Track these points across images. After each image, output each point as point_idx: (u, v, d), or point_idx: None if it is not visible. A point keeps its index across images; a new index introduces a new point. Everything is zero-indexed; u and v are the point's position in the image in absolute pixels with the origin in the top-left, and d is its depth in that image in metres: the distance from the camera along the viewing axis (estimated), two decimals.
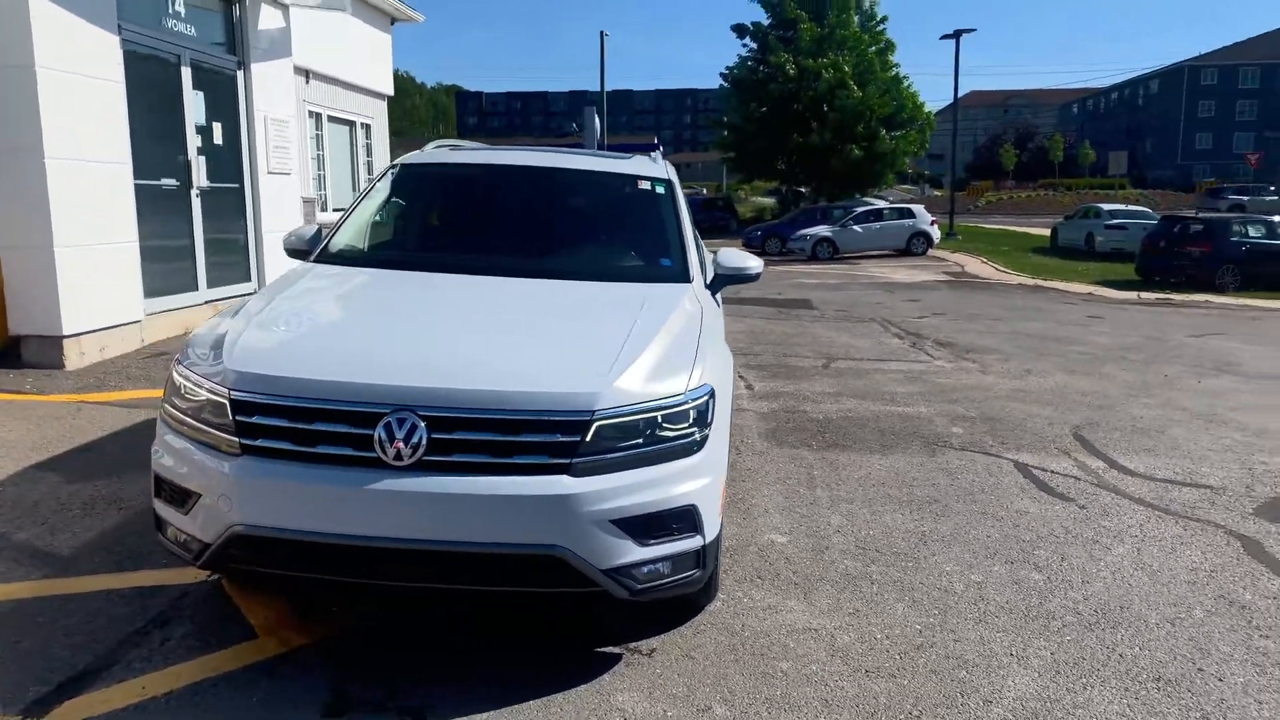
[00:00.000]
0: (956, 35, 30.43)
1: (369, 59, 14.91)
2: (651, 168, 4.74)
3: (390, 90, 16.16)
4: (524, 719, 2.80)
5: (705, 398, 3.06)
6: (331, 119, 14.09)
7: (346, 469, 2.77)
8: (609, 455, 2.82)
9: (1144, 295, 17.26)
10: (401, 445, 2.74)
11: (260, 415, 2.85)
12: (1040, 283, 19.33)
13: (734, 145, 40.29)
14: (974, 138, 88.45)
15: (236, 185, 9.41)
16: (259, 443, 2.84)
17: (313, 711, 2.82)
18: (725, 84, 40.18)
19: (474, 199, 4.60)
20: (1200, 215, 21.05)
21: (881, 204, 30.74)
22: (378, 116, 15.85)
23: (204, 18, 8.82)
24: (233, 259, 9.42)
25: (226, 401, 2.88)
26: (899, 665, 3.19)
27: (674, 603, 3.34)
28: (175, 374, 3.12)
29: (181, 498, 2.97)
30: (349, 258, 4.08)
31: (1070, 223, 27.92)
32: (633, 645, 3.27)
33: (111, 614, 3.37)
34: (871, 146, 36.23)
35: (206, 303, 8.85)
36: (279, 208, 9.99)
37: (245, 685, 2.94)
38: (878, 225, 27.26)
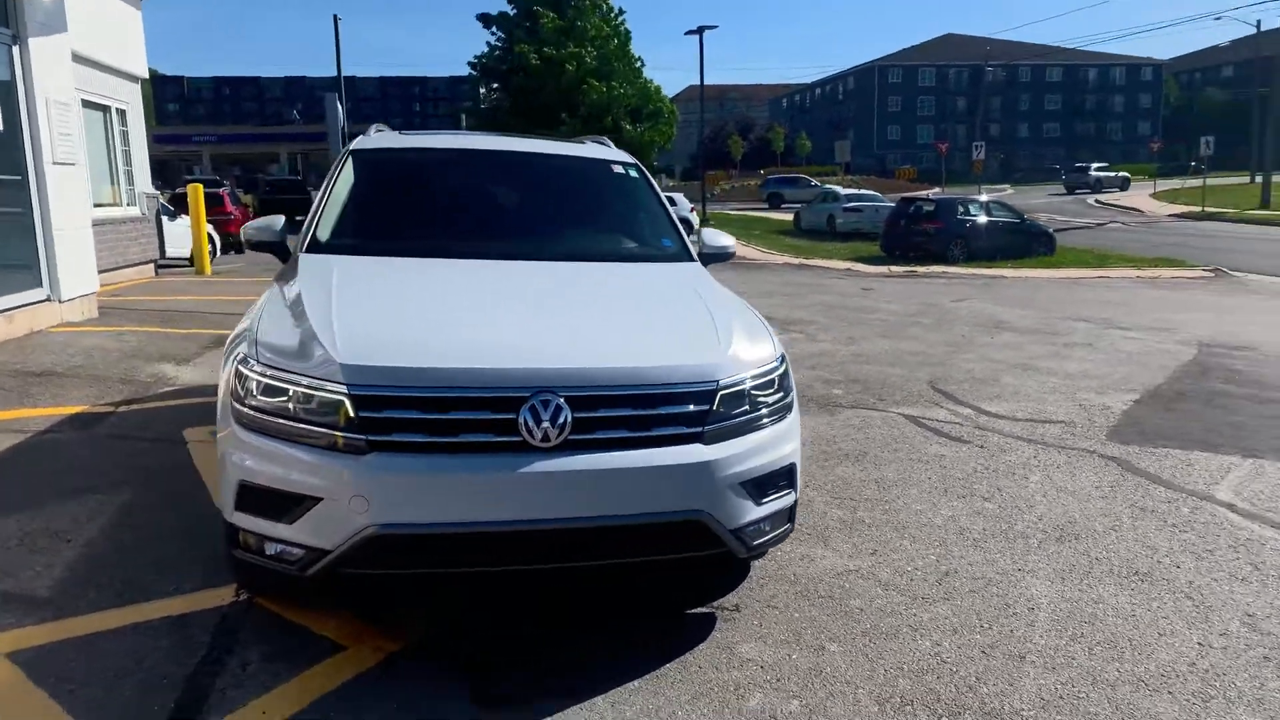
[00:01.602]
0: (700, 31, 32.19)
1: (119, 36, 13.36)
2: (616, 153, 4.84)
3: (144, 72, 14.60)
4: (671, 679, 2.91)
5: (786, 364, 3.30)
6: (85, 103, 12.49)
7: (493, 455, 2.72)
8: (729, 422, 2.98)
9: (893, 269, 19.40)
10: (549, 427, 2.74)
11: (391, 409, 2.72)
12: (804, 261, 21.10)
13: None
14: (699, 130, 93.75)
15: (19, 178, 8.20)
16: (391, 438, 2.71)
17: (462, 705, 2.76)
18: (474, 73, 39.73)
19: (458, 184, 4.48)
20: (931, 197, 23.93)
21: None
22: (133, 101, 14.26)
23: None
24: (21, 263, 8.22)
25: (345, 398, 2.71)
26: (942, 590, 3.61)
27: (718, 564, 3.55)
28: (253, 374, 2.86)
29: (287, 506, 2.75)
30: (348, 247, 3.84)
31: (811, 207, 30.56)
32: (716, 604, 3.45)
33: (157, 648, 3.03)
34: (620, 138, 37.37)
35: (0, 312, 7.69)
36: (67, 203, 8.82)
37: (374, 693, 2.80)
38: None
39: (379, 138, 4.63)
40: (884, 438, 5.80)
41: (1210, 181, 41.24)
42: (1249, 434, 5.92)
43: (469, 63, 39.75)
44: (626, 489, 2.80)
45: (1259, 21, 49.54)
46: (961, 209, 21.03)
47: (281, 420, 2.79)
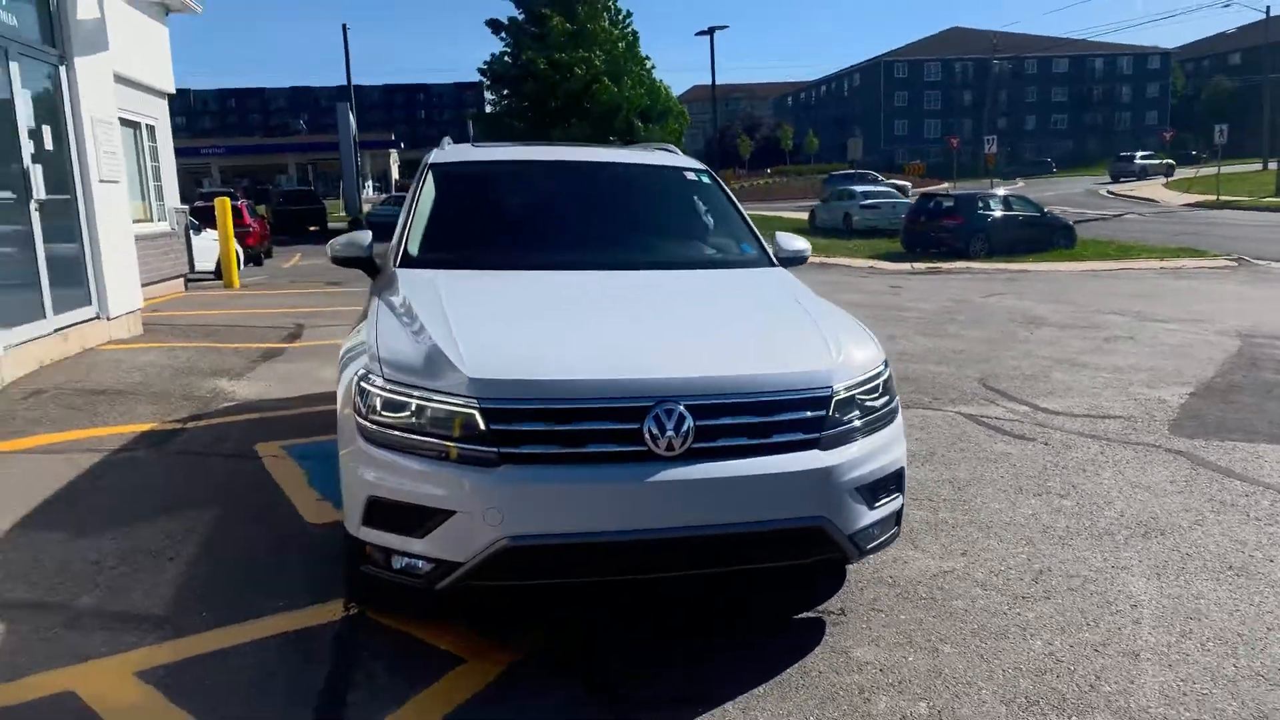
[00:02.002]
0: (711, 31, 32.24)
1: (148, 52, 13.45)
2: (686, 160, 4.88)
3: (172, 88, 14.67)
4: (795, 685, 2.94)
5: (890, 368, 3.33)
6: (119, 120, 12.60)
7: (619, 465, 2.76)
8: (843, 428, 3.01)
9: (916, 265, 19.39)
10: (672, 436, 2.77)
11: (520, 421, 2.76)
12: (825, 260, 21.08)
13: (497, 140, 40.14)
14: (703, 130, 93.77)
15: (69, 196, 8.28)
16: (520, 449, 2.75)
17: (592, 714, 2.79)
18: (485, 79, 39.80)
19: (539, 196, 4.53)
20: (951, 193, 23.90)
21: None
22: (161, 117, 14.36)
23: (20, 6, 7.68)
24: (74, 280, 8.30)
25: (476, 412, 2.75)
26: (1041, 589, 3.63)
27: (823, 569, 3.59)
28: (378, 389, 2.90)
29: (418, 520, 2.79)
30: (442, 261, 3.88)
31: (827, 205, 30.53)
32: (821, 609, 3.48)
33: (283, 664, 3.07)
34: (631, 139, 37.41)
35: (56, 331, 7.76)
36: (113, 220, 8.90)
37: (506, 705, 2.83)
38: None
39: (454, 151, 4.67)
40: (948, 437, 5.82)
41: (1223, 170, 41.07)
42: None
43: (479, 69, 39.77)
44: (749, 496, 2.83)
45: (1268, 7, 49.26)
46: (981, 204, 21.00)
47: (410, 435, 2.83)
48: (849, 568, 3.77)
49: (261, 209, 36.38)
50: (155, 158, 14.16)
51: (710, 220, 4.53)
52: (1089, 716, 2.75)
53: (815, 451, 2.92)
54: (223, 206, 15.82)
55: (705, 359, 2.98)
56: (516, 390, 2.78)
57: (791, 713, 2.79)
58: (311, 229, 36.60)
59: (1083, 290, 14.22)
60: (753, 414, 2.88)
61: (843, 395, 3.02)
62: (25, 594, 3.56)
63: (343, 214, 44.48)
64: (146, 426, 5.95)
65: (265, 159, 73.23)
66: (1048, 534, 4.20)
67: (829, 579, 3.68)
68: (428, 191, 4.25)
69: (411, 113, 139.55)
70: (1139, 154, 57.99)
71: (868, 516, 3.05)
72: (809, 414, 2.95)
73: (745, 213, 4.54)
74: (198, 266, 16.18)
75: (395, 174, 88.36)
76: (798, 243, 4.48)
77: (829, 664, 3.07)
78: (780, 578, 3.60)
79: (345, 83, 44.57)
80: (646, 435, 2.76)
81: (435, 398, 2.81)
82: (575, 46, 36.27)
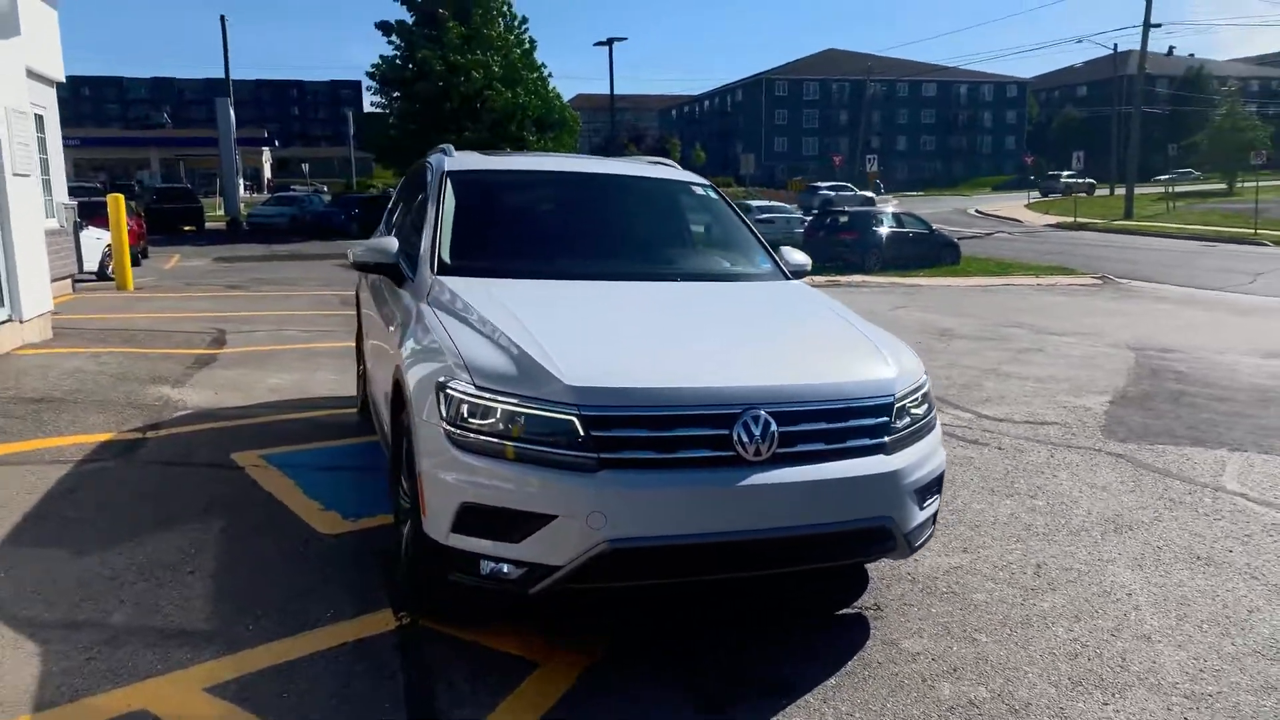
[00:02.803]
0: (609, 42, 32.55)
1: (38, 38, 12.61)
2: (689, 174, 5.03)
3: (62, 75, 13.82)
4: (861, 675, 3.12)
5: (929, 379, 3.57)
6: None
7: (711, 470, 2.88)
8: (902, 433, 3.23)
9: (815, 279, 20.13)
10: (760, 442, 2.91)
11: (618, 428, 2.84)
12: None
13: (386, 143, 39.20)
14: (588, 139, 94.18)
15: None
16: (619, 455, 2.83)
17: (691, 711, 2.90)
18: (373, 81, 38.86)
19: (561, 206, 4.59)
20: (847, 210, 24.89)
21: None
22: (50, 106, 13.49)
23: None
24: None
25: (575, 419, 2.82)
26: (1044, 581, 3.95)
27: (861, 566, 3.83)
28: (470, 398, 2.92)
29: (516, 525, 2.84)
30: (480, 269, 3.89)
31: None
32: (858, 605, 3.68)
33: (355, 674, 3.04)
34: (525, 147, 37.27)
35: None
36: (26, 216, 8.35)
37: (597, 707, 2.90)
38: None
39: (464, 159, 4.66)
40: None
41: (1076, 194, 44.23)
42: (1223, 429, 6.56)
43: (368, 71, 38.88)
44: (829, 499, 3.00)
45: (1115, 45, 53.55)
46: (875, 220, 22.00)
47: (505, 441, 2.87)
48: (868, 565, 4.00)
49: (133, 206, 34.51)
50: (43, 149, 13.27)
51: (722, 233, 4.70)
52: (1130, 693, 3.04)
53: (881, 456, 3.12)
54: (116, 204, 14.97)
55: (783, 368, 3.14)
56: (615, 398, 2.87)
57: (868, 701, 2.97)
58: (187, 229, 34.87)
59: (977, 304, 15.12)
60: (828, 421, 3.06)
61: (902, 403, 3.24)
62: (50, 613, 3.38)
63: (220, 213, 42.53)
64: (104, 436, 5.65)
65: (125, 152, 69.01)
66: (1031, 531, 4.55)
67: (855, 575, 3.89)
68: (448, 199, 4.24)
69: (284, 109, 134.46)
70: (1064, 173, 60.97)
71: (919, 516, 3.27)
72: (876, 420, 3.15)
73: (753, 227, 4.73)
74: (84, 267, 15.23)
75: (268, 172, 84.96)
76: (799, 256, 4.69)
77: (885, 655, 3.27)
78: (823, 572, 3.79)
79: (219, 75, 42.71)
80: (736, 441, 2.90)
81: (534, 405, 2.86)
82: (471, 50, 35.92)
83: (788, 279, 4.39)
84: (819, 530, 3.02)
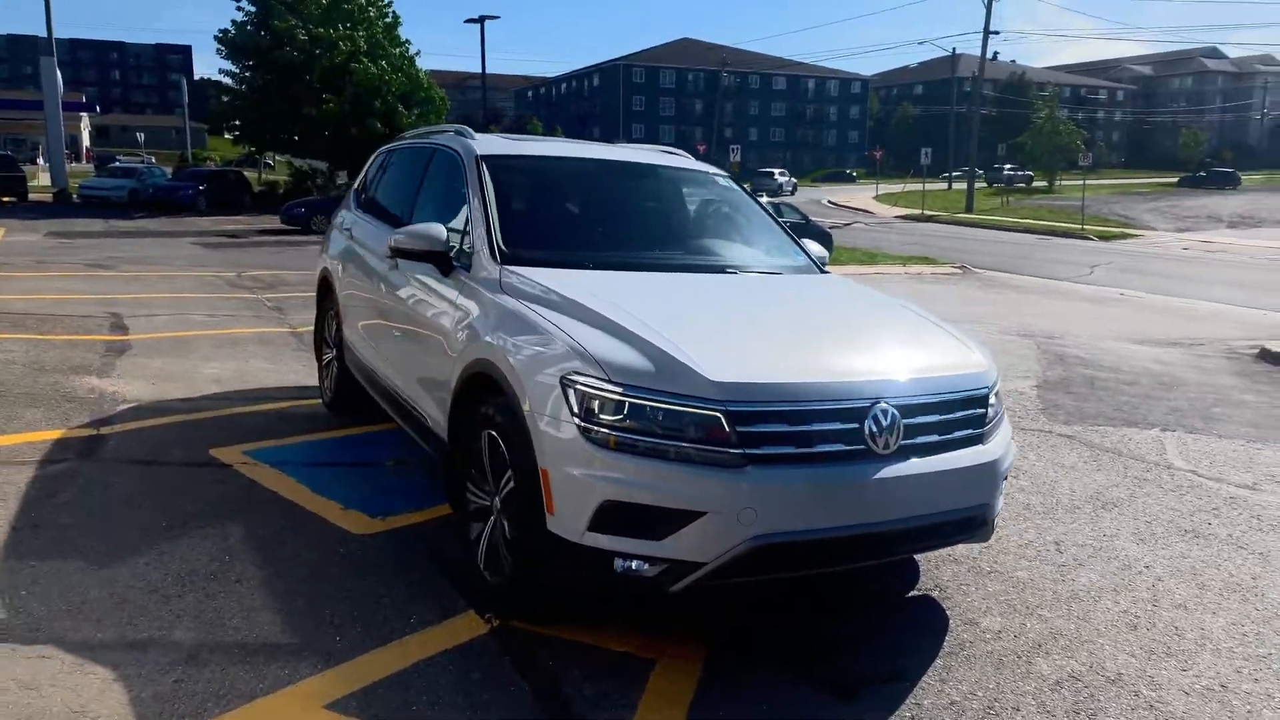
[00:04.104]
0: (481, 20, 31.75)
1: None
2: (704, 164, 5.03)
3: None
4: (962, 655, 3.25)
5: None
6: None
7: (846, 464, 2.92)
8: (991, 423, 3.37)
9: None
10: (889, 435, 2.98)
11: (761, 424, 2.84)
12: None
13: (237, 114, 36.86)
14: (444, 118, 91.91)
15: None
16: (762, 451, 2.83)
17: (828, 698, 2.94)
18: (222, 46, 36.38)
19: (602, 193, 4.49)
20: None
21: None
22: None
23: None
24: None
25: (720, 415, 2.80)
26: (1070, 558, 4.21)
27: None
28: (605, 394, 2.83)
29: (660, 523, 2.79)
30: (546, 260, 3.74)
31: None
32: (920, 589, 3.82)
33: (472, 680, 2.92)
34: (393, 124, 35.96)
35: None
36: None
37: (737, 699, 2.90)
38: None
39: (490, 142, 4.46)
40: None
41: (914, 187, 46.86)
42: (1144, 411, 7.16)
43: (215, 36, 36.29)
44: (945, 488, 3.11)
45: (954, 49, 56.97)
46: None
47: (646, 438, 2.81)
48: None
49: None
50: None
51: (749, 224, 4.72)
52: (1198, 658, 3.31)
53: (981, 446, 3.26)
54: None
55: (901, 363, 3.21)
56: (758, 394, 2.86)
57: (981, 680, 3.10)
58: (6, 200, 31.70)
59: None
60: (941, 413, 3.16)
61: (992, 393, 3.38)
62: (103, 632, 3.06)
63: (42, 184, 38.84)
64: (53, 434, 5.10)
65: None
66: (1033, 510, 4.84)
67: (907, 559, 4.04)
68: (488, 186, 4.06)
69: (104, 73, 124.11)
70: (1008, 166, 64.30)
71: (999, 501, 3.44)
72: (976, 411, 3.28)
73: (777, 218, 4.79)
74: None
75: (87, 140, 78.03)
76: (818, 248, 4.78)
77: (972, 635, 3.42)
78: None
79: (29, 31, 38.80)
80: (867, 435, 2.95)
81: (677, 402, 2.81)
82: (331, 22, 34.26)
83: (823, 271, 4.47)
84: (935, 519, 3.12)
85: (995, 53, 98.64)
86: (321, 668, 2.93)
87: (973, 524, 3.29)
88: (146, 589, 3.37)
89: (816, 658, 3.19)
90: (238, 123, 37.66)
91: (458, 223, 4.10)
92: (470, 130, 4.65)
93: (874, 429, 2.96)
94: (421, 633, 3.20)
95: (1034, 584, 3.90)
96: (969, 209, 43.99)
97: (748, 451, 2.81)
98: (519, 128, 69.89)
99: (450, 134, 4.76)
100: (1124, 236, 32.83)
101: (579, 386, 2.89)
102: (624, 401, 2.83)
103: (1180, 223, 38.29)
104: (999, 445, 3.35)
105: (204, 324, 9.30)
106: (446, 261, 3.88)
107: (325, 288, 5.98)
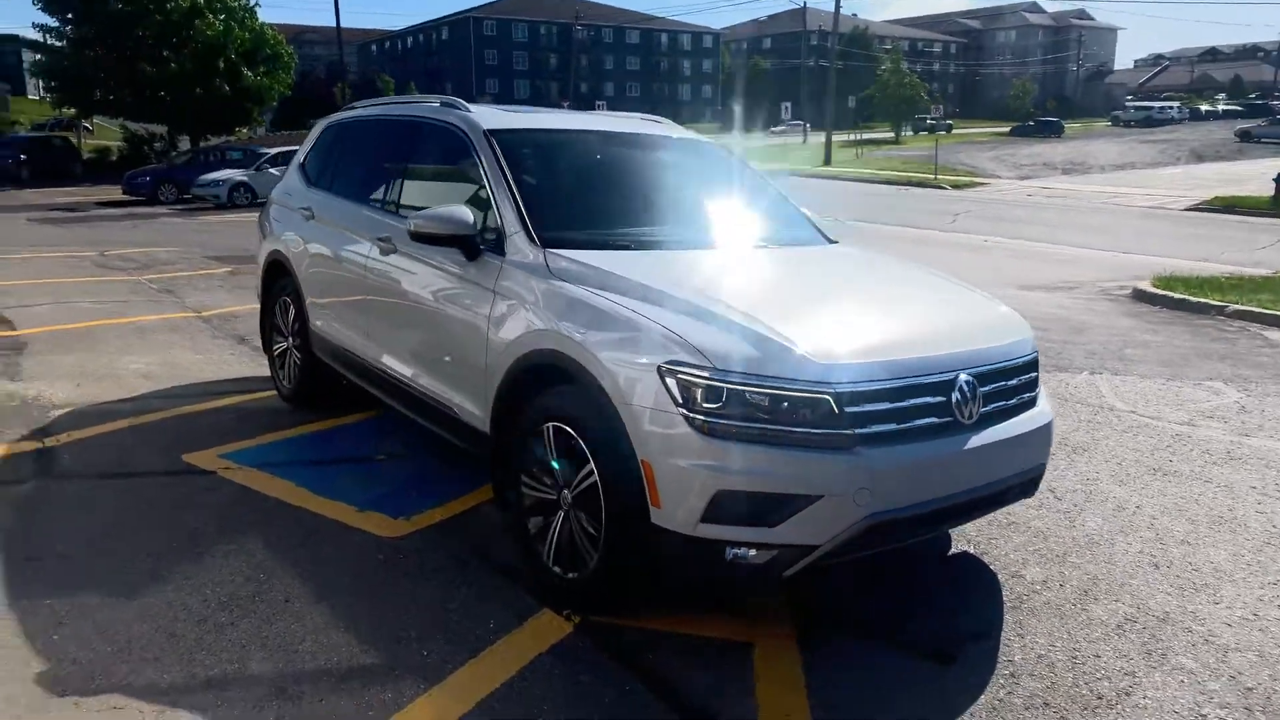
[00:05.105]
0: None
1: None
2: (699, 134, 4.93)
3: None
4: (1023, 609, 3.41)
5: None
6: None
7: (943, 436, 2.99)
8: (1037, 386, 3.51)
9: None
10: (973, 405, 3.06)
11: (865, 403, 2.85)
12: None
13: (55, 73, 33.61)
14: (303, 73, 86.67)
15: None
16: (869, 430, 2.85)
17: (931, 664, 3.04)
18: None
19: (617, 168, 4.32)
20: None
21: (295, 147, 29.15)
22: None
23: None
24: None
25: (829, 396, 2.79)
26: (1070, 504, 4.47)
27: None
28: (705, 381, 2.77)
29: (776, 509, 2.77)
30: (580, 241, 3.59)
31: None
32: (957, 549, 3.98)
33: (581, 685, 2.85)
34: (238, 84, 33.75)
35: None
36: None
37: (853, 672, 2.95)
38: None
39: (492, 115, 4.21)
40: None
41: (774, 141, 47.95)
42: (1067, 356, 7.62)
43: None
44: (1020, 451, 3.23)
45: (805, 2, 58.01)
46: None
47: (755, 424, 2.77)
48: None
49: None
50: None
51: (765, 195, 4.69)
52: (1225, 589, 3.59)
53: (1036, 408, 3.40)
54: None
55: (969, 333, 3.28)
56: (863, 374, 2.87)
57: (1052, 631, 3.26)
58: None
59: None
60: (1007, 378, 3.26)
61: (1037, 358, 3.52)
62: (167, 673, 2.80)
63: None
64: None
65: None
66: None
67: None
68: (504, 163, 3.85)
69: None
70: (929, 117, 64.53)
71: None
72: (1030, 375, 3.41)
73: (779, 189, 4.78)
74: None
75: None
76: (812, 216, 4.82)
77: (1024, 588, 3.58)
78: None
79: None
80: (954, 406, 3.02)
81: (786, 386, 2.78)
82: None
83: (833, 241, 4.50)
84: (1009, 482, 3.24)
85: (838, 4, 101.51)
86: (425, 687, 2.78)
87: (1034, 483, 3.44)
88: (193, 619, 3.10)
89: (896, 626, 3.28)
90: (54, 83, 34.37)
91: (470, 202, 3.89)
92: (461, 101, 4.40)
93: (959, 400, 3.03)
94: (507, 638, 3.09)
95: (1052, 533, 4.12)
96: (827, 161, 45.35)
97: (857, 431, 2.82)
98: (366, 83, 66.80)
99: (436, 105, 4.48)
100: (973, 185, 34.63)
101: (681, 376, 2.81)
102: (731, 389, 2.78)
103: (1020, 170, 40.74)
104: (1046, 406, 3.50)
105: (95, 312, 8.52)
106: (473, 246, 3.68)
107: (277, 271, 5.58)
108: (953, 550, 3.93)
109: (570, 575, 3.22)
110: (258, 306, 6.05)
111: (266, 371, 6.24)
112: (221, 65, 33.11)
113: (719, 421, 2.78)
